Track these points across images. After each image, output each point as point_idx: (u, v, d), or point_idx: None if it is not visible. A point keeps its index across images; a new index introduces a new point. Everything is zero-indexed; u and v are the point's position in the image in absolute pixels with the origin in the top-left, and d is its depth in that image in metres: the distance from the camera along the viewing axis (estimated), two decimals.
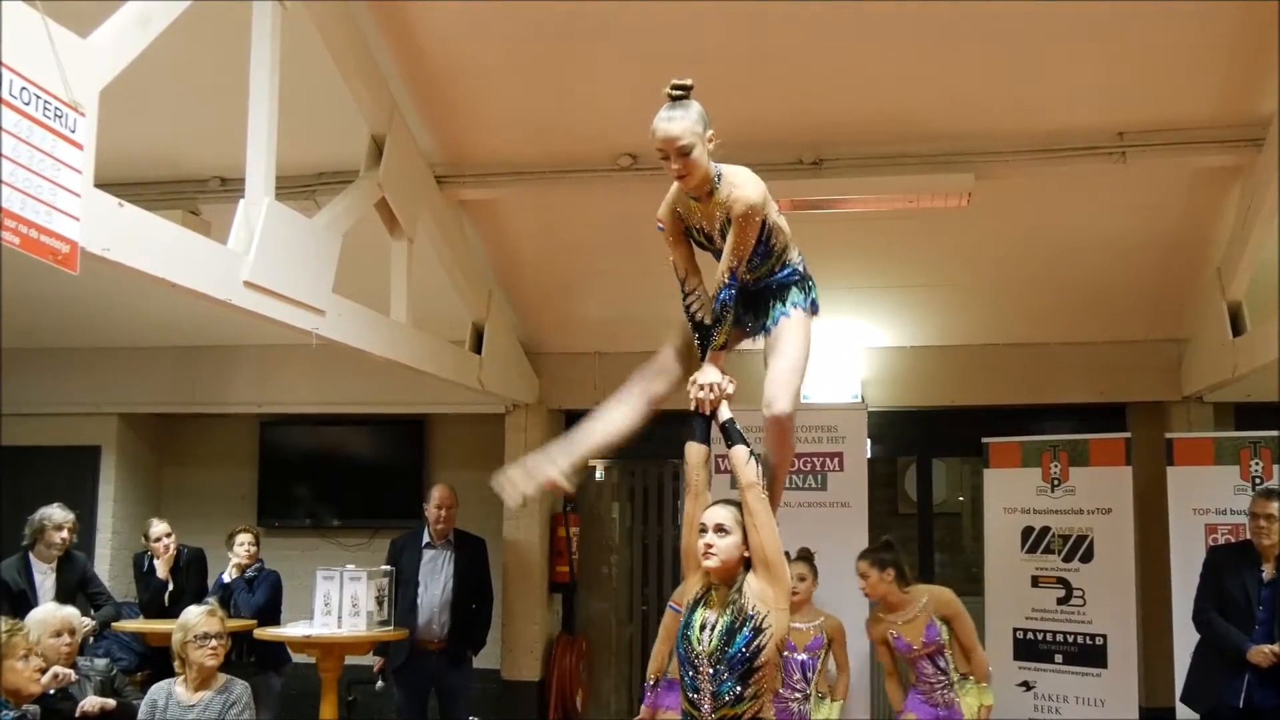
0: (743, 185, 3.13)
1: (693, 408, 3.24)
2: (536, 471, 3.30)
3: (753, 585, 3.08)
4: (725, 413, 3.21)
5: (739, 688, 3.01)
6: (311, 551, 8.41)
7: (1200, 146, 5.68)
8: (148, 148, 5.87)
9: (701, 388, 3.20)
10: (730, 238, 3.13)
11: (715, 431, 3.26)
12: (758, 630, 3.03)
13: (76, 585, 6.26)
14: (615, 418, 3.39)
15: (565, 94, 5.72)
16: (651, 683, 5.45)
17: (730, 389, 3.22)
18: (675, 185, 3.24)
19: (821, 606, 5.78)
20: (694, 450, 3.24)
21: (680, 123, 3.04)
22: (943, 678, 5.38)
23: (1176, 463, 6.69)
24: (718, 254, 3.25)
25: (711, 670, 3.04)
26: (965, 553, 9.04)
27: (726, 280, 3.16)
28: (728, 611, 3.07)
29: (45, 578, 6.19)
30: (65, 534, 6.23)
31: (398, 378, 6.56)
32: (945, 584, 5.95)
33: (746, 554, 3.11)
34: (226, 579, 6.62)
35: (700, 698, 3.06)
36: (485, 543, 6.97)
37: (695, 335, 3.31)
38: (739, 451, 3.12)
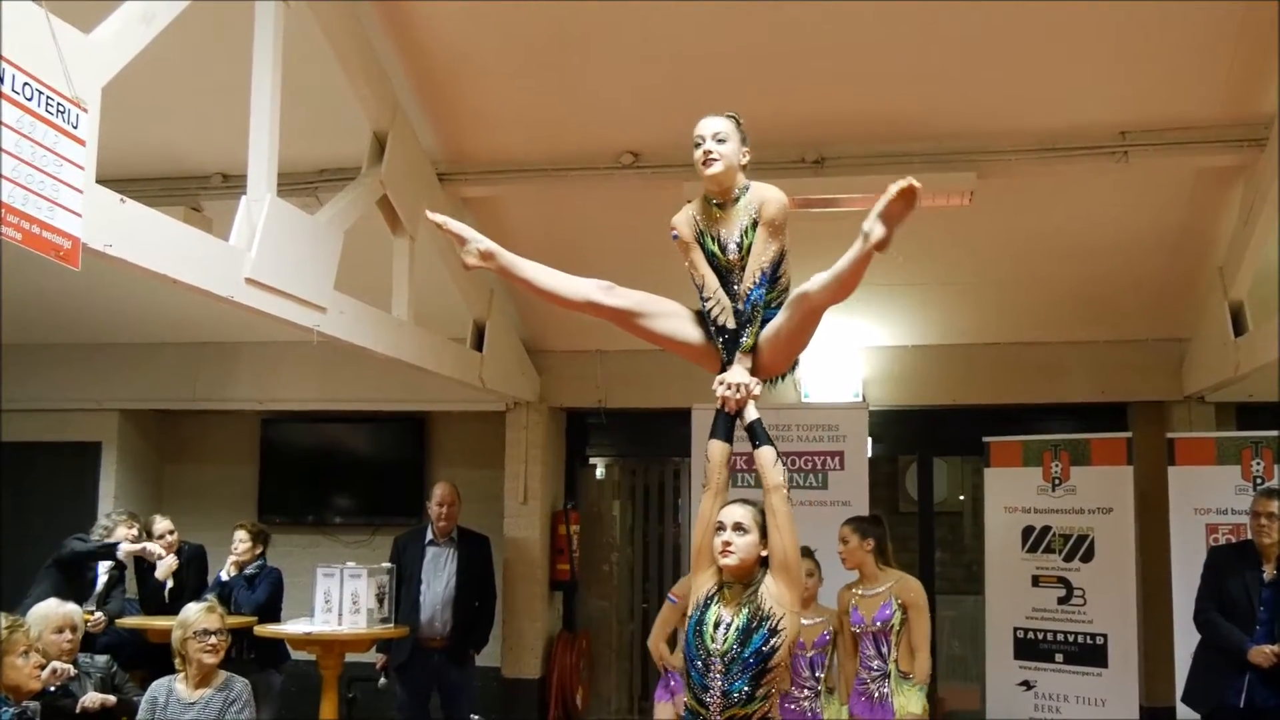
0: (774, 192, 3.24)
1: (719, 406, 3.24)
2: (469, 248, 3.37)
3: (770, 587, 3.08)
4: (752, 413, 3.21)
5: (750, 688, 3.01)
6: (312, 549, 8.42)
7: (1202, 146, 5.67)
8: (150, 144, 5.87)
9: (730, 387, 3.20)
10: (758, 240, 3.21)
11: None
12: (774, 631, 3.03)
13: (115, 581, 6.34)
14: (555, 281, 3.39)
15: (567, 92, 5.72)
16: (664, 673, 5.55)
17: (757, 390, 3.22)
18: (698, 198, 3.34)
19: (825, 605, 5.79)
20: (717, 448, 3.23)
21: (723, 119, 3.26)
22: (882, 666, 5.35)
23: (1178, 462, 6.69)
24: (725, 267, 3.28)
25: (724, 669, 3.03)
26: (966, 552, 9.04)
27: (757, 280, 3.21)
28: (744, 611, 3.07)
29: (104, 575, 6.28)
30: (135, 534, 6.35)
31: (399, 375, 6.56)
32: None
33: (764, 553, 3.11)
34: (225, 577, 6.59)
35: (709, 696, 3.04)
36: (489, 540, 6.96)
37: (716, 339, 3.31)
38: (767, 453, 3.12)
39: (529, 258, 7.01)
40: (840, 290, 2.98)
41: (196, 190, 6.33)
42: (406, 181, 5.61)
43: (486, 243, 3.37)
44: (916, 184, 2.63)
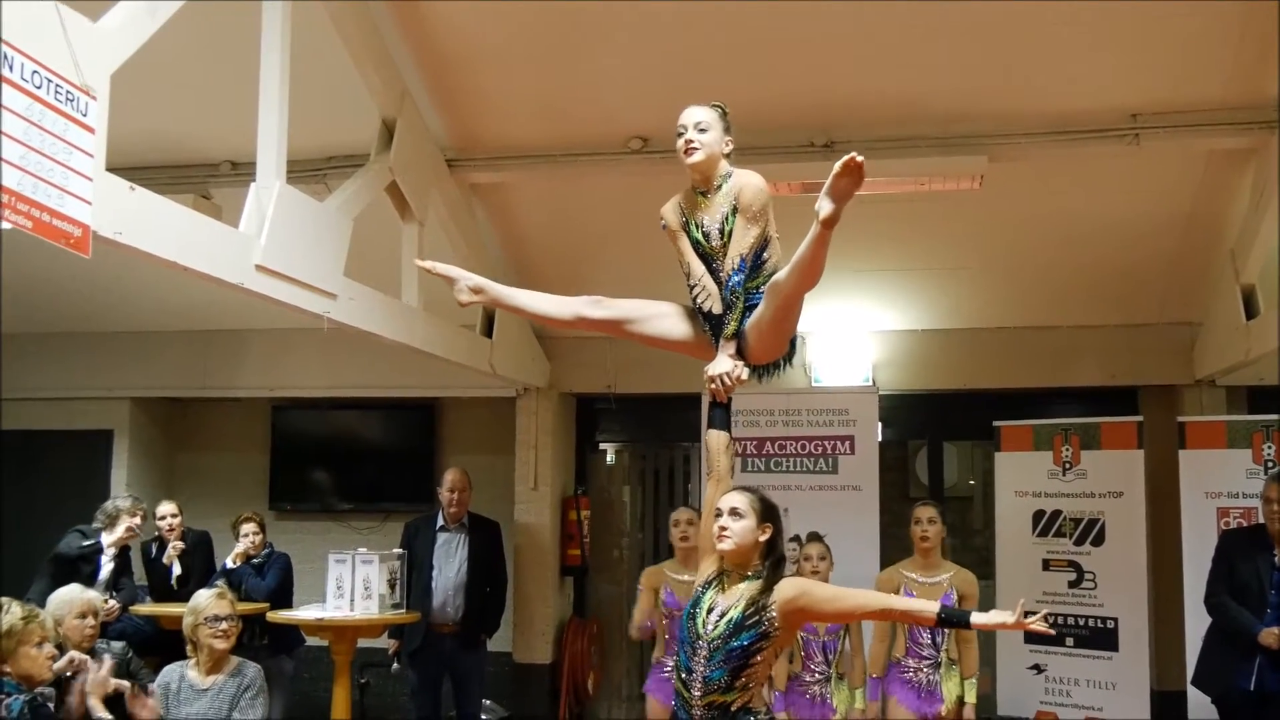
0: (753, 178, 3.27)
1: (709, 398, 3.26)
2: (460, 286, 3.56)
3: (785, 591, 3.10)
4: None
5: (729, 678, 3.06)
6: (323, 535, 8.43)
7: (1213, 129, 5.65)
8: (159, 131, 5.88)
9: (713, 379, 3.22)
10: (737, 226, 3.23)
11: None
12: (764, 635, 3.07)
13: (122, 569, 6.38)
14: (545, 304, 3.57)
15: (575, 77, 5.71)
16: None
17: (744, 375, 3.23)
18: (683, 190, 3.39)
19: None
20: (715, 437, 3.27)
21: (706, 109, 3.31)
22: (934, 655, 5.42)
23: (1188, 446, 6.66)
24: (710, 254, 3.32)
25: (708, 655, 3.07)
26: (976, 536, 9.03)
27: (736, 266, 3.22)
28: (742, 604, 3.09)
29: (109, 563, 6.30)
30: (138, 522, 6.36)
31: (409, 361, 6.57)
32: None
33: (762, 538, 3.13)
34: (230, 564, 6.60)
35: (692, 679, 3.10)
36: (500, 526, 6.99)
37: (705, 326, 3.34)
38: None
39: (540, 244, 7.09)
40: (805, 277, 3.00)
41: (206, 178, 6.34)
42: (415, 168, 5.61)
43: (476, 279, 3.55)
44: (860, 158, 2.68)
